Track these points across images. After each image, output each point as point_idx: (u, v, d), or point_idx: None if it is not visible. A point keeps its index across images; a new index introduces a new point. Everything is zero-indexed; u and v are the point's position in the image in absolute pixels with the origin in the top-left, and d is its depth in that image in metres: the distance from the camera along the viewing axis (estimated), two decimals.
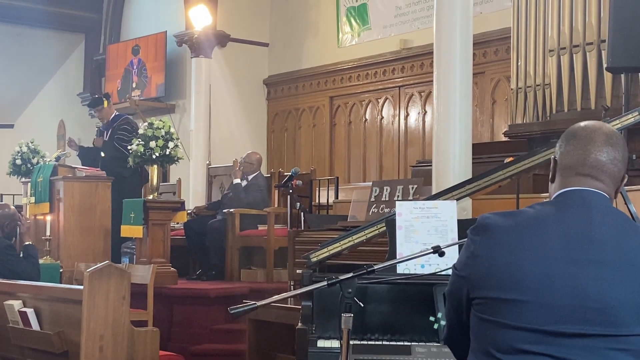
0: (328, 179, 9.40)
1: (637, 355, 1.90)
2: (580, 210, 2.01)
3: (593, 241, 1.95)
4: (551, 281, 1.92)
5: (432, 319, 2.17)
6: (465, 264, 2.07)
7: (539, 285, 1.92)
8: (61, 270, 7.24)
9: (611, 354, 1.89)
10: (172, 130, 7.63)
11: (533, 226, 2.01)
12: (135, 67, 13.38)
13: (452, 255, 3.05)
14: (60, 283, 6.78)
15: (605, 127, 2.12)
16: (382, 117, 11.56)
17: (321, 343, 3.23)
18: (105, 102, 8.81)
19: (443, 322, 2.11)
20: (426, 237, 3.34)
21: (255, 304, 2.46)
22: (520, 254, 1.97)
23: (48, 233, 7.39)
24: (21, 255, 6.10)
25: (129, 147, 7.77)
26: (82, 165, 8.93)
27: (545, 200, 2.17)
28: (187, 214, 8.27)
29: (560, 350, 1.90)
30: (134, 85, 13.37)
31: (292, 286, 6.06)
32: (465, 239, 2.12)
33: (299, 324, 3.30)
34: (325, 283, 2.50)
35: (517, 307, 1.93)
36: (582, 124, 2.14)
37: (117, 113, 9.04)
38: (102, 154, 8.69)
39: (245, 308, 2.46)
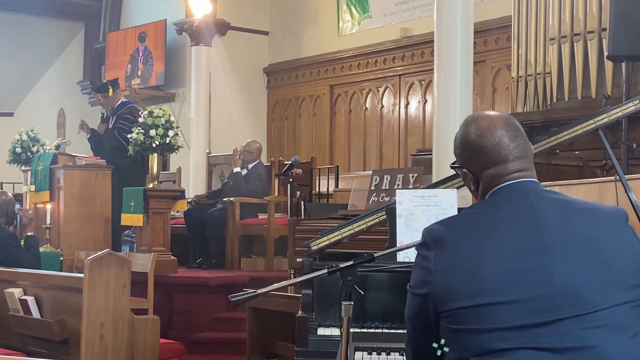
0: (328, 168, 9.40)
1: (611, 329, 1.91)
2: (520, 202, 2.02)
3: (542, 228, 1.97)
4: (515, 277, 1.93)
5: (435, 345, 2.16)
6: (424, 282, 2.03)
7: (504, 284, 1.93)
8: (61, 258, 7.24)
9: (587, 334, 1.90)
10: (172, 118, 7.62)
11: (482, 228, 2.01)
12: (141, 54, 13.32)
13: None
14: (61, 271, 6.78)
15: (495, 114, 2.14)
16: (383, 106, 11.54)
17: (321, 331, 3.23)
18: (110, 90, 8.71)
19: (447, 349, 2.11)
20: (426, 225, 3.32)
21: (255, 291, 2.46)
22: (478, 258, 1.96)
23: (48, 221, 7.39)
24: (22, 245, 6.10)
25: (129, 136, 7.75)
26: (92, 150, 8.90)
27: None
28: (187, 202, 8.27)
29: (537, 340, 1.90)
30: (139, 73, 13.33)
31: (292, 274, 6.06)
32: None
33: (299, 312, 3.30)
34: (325, 271, 2.50)
35: (487, 311, 1.93)
36: (471, 126, 2.12)
37: (124, 100, 8.94)
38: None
39: (246, 296, 2.45)
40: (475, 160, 2.10)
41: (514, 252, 1.95)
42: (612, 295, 1.92)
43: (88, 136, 8.97)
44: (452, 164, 2.22)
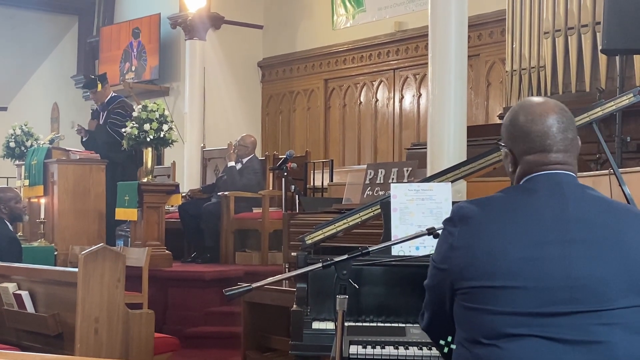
0: (323, 162, 9.39)
1: (624, 328, 1.92)
2: (554, 193, 2.02)
3: (571, 221, 1.97)
4: (535, 264, 1.94)
5: (442, 342, 2.17)
6: (445, 257, 2.06)
7: (524, 270, 1.93)
8: (56, 253, 7.23)
9: (598, 329, 1.91)
10: (166, 112, 7.60)
11: (511, 212, 2.01)
12: (135, 49, 13.29)
13: None
14: (55, 266, 6.77)
15: (551, 102, 2.13)
16: (377, 100, 11.54)
17: (316, 325, 3.23)
18: (99, 85, 8.67)
19: (453, 346, 2.11)
20: (421, 219, 3.33)
21: (250, 285, 2.46)
22: (502, 240, 1.97)
23: (42, 216, 7.38)
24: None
25: (123, 131, 7.72)
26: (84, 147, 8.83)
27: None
28: (182, 196, 8.26)
29: (548, 330, 1.91)
30: (132, 68, 13.29)
31: (286, 268, 6.06)
32: None
33: (294, 306, 3.30)
34: (320, 265, 2.50)
35: (503, 293, 1.94)
36: (524, 108, 2.11)
37: (113, 94, 8.89)
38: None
39: (240, 290, 2.45)
40: (519, 143, 2.09)
41: (539, 240, 1.95)
42: (630, 297, 1.93)
43: (84, 139, 8.79)
44: (498, 140, 2.21)
